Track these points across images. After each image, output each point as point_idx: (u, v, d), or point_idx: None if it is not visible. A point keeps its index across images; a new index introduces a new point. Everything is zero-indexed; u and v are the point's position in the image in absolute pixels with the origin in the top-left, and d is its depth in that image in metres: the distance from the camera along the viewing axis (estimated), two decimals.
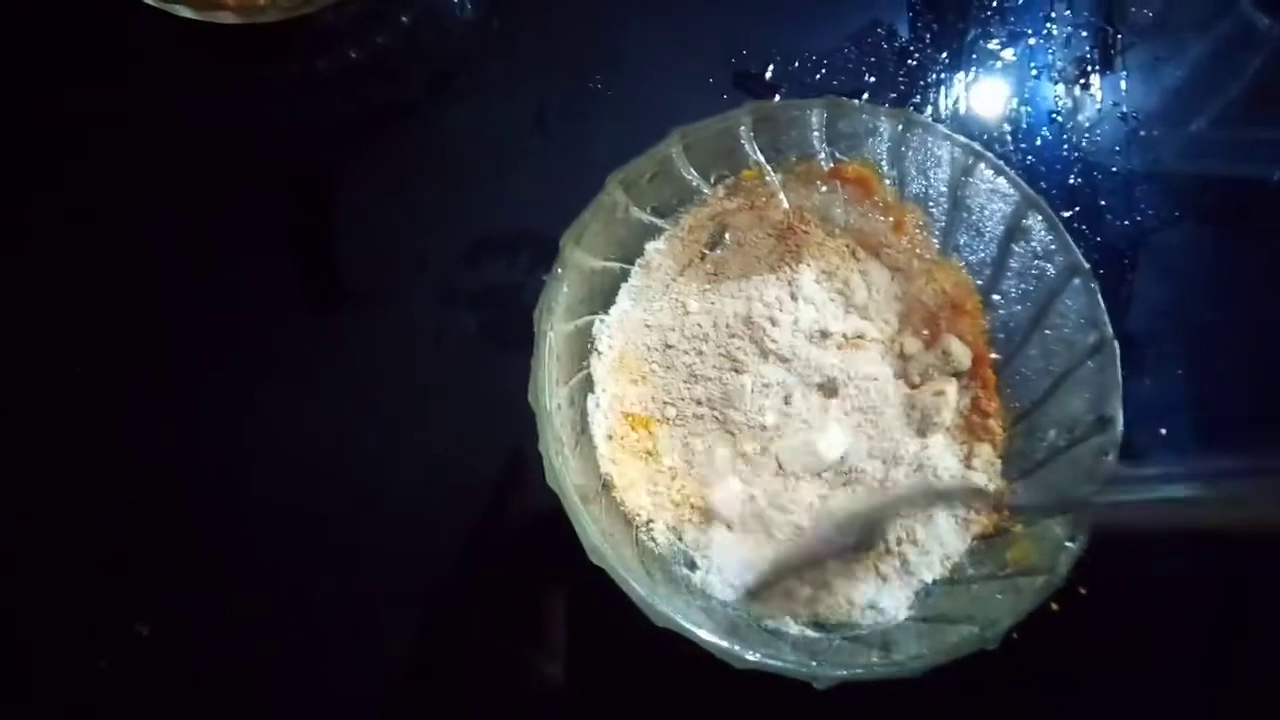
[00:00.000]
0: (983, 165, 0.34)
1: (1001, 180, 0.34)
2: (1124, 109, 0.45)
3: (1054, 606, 0.30)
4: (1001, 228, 0.35)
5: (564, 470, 0.30)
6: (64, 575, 0.38)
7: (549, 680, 0.36)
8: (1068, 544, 0.30)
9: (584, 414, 0.35)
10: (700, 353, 0.36)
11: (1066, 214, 0.43)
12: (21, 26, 0.44)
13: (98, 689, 0.37)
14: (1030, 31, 0.47)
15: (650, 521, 0.34)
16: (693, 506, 0.34)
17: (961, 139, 0.34)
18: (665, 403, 0.36)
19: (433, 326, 0.41)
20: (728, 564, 0.33)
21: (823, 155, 0.36)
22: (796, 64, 0.45)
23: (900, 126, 0.34)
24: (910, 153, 0.35)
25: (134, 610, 0.37)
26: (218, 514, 0.39)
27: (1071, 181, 0.44)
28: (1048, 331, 0.35)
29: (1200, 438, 0.40)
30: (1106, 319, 0.32)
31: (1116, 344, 0.32)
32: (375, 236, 0.42)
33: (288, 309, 0.41)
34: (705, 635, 0.29)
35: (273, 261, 0.42)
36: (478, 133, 0.43)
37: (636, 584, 0.29)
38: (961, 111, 0.45)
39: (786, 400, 0.35)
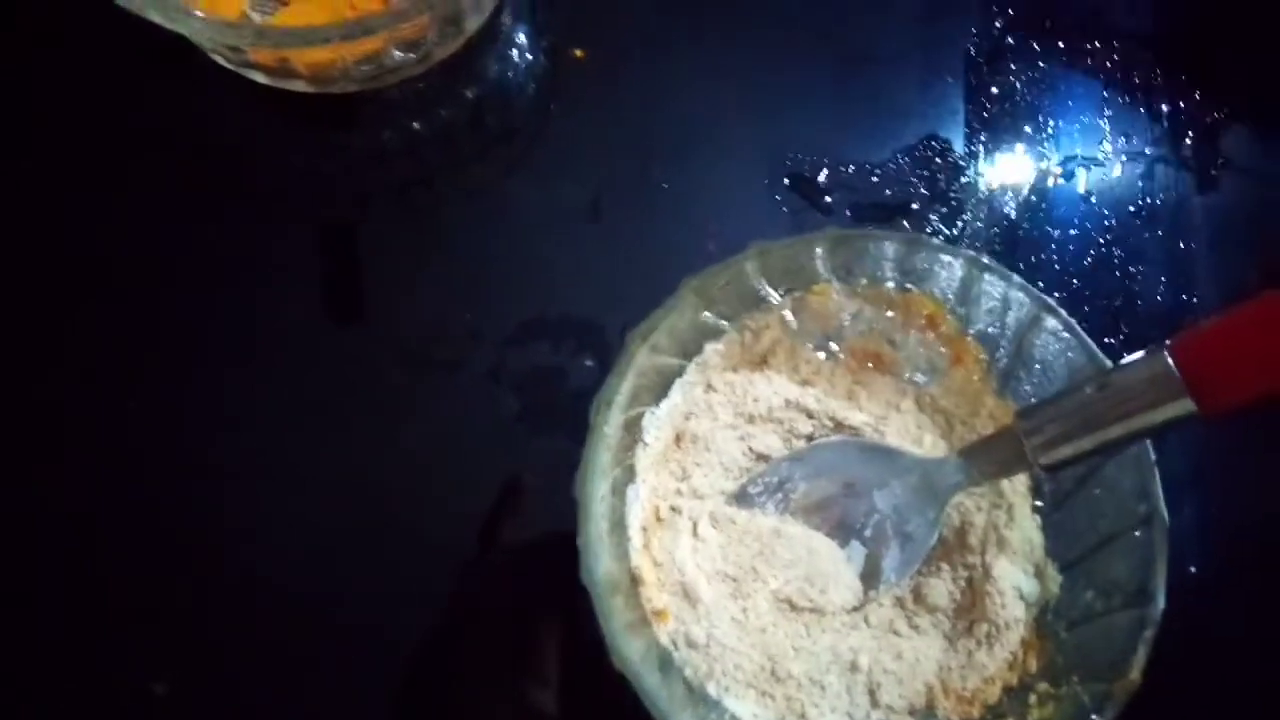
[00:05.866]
0: (1050, 318, 0.34)
1: (1068, 335, 0.34)
2: (1177, 243, 0.46)
3: None
4: (1063, 381, 0.35)
5: (595, 566, 0.30)
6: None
7: (541, 711, 0.36)
8: (1094, 718, 0.30)
9: (623, 503, 0.35)
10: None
11: (1110, 340, 0.43)
12: (93, 78, 0.45)
13: None
14: (1083, 155, 0.47)
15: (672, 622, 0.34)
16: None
17: (1033, 290, 0.35)
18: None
19: (475, 401, 0.41)
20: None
21: (892, 283, 0.36)
22: (850, 170, 0.46)
23: (973, 269, 0.35)
24: (978, 294, 0.35)
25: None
26: (234, 553, 0.39)
27: (1116, 305, 0.45)
28: (1097, 491, 0.34)
29: (1234, 579, 0.40)
30: (1159, 491, 0.32)
31: (1167, 518, 0.32)
32: (423, 305, 0.43)
33: (332, 369, 0.42)
34: None
35: (320, 322, 0.42)
36: (533, 212, 0.44)
37: (652, 689, 0.29)
38: (1010, 230, 0.46)
39: None
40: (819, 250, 0.34)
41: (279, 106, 0.45)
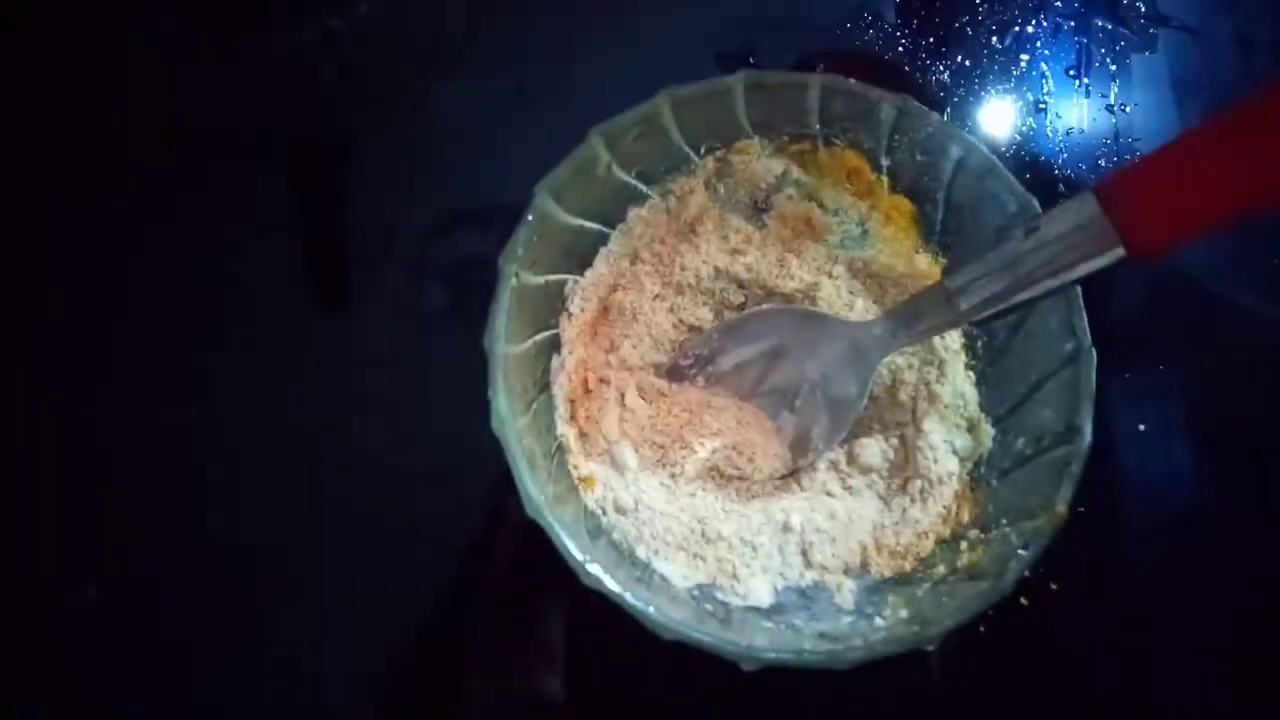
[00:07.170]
0: (979, 162, 0.33)
1: (997, 181, 0.33)
2: (1115, 103, 0.45)
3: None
4: (992, 229, 0.34)
5: (510, 418, 0.29)
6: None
7: (548, 691, 0.35)
8: (1020, 551, 0.29)
9: (547, 372, 0.34)
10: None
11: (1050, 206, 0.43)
12: None
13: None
14: (1021, 20, 0.46)
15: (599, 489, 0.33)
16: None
17: (962, 134, 0.33)
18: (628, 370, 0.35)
19: (406, 298, 0.40)
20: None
21: (817, 136, 0.35)
22: (782, 47, 0.44)
23: (899, 114, 0.33)
24: (907, 143, 0.34)
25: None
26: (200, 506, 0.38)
27: (1057, 173, 0.44)
28: (1028, 340, 0.34)
29: (1178, 432, 0.40)
30: (1086, 327, 0.31)
31: (1094, 353, 0.31)
32: (350, 208, 0.42)
33: (261, 284, 0.40)
34: (632, 600, 0.28)
35: (243, 235, 0.41)
36: (459, 102, 0.43)
37: (570, 542, 0.29)
38: (949, 99, 0.45)
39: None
40: (736, 96, 0.33)
41: (190, 13, 0.43)
